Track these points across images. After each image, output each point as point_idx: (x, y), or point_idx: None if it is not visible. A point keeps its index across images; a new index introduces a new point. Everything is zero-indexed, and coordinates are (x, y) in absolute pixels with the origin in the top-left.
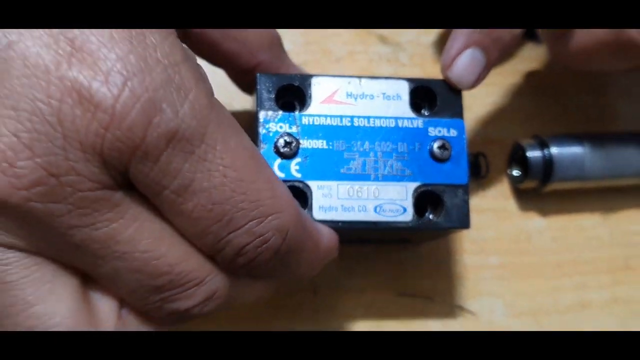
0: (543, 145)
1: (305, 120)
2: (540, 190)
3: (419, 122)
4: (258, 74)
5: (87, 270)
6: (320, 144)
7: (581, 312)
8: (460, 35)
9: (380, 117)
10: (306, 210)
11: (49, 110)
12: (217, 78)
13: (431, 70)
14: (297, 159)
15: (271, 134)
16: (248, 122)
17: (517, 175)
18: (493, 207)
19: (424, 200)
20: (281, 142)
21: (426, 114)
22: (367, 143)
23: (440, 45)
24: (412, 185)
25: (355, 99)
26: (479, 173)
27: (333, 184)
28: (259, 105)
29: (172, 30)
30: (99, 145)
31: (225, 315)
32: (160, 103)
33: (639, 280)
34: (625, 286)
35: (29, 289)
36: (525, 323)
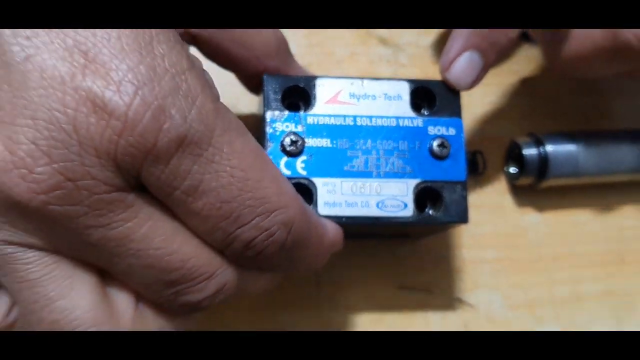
0: (538, 143)
1: (310, 120)
2: (536, 186)
3: (419, 122)
4: (265, 76)
5: (104, 267)
6: (324, 142)
7: (576, 304)
8: (458, 38)
9: (381, 117)
10: (312, 206)
11: (65, 119)
12: (224, 79)
13: (430, 71)
14: (303, 157)
15: (278, 133)
16: (254, 122)
17: (514, 172)
18: (490, 203)
19: (424, 196)
20: (287, 140)
21: (426, 113)
22: (369, 141)
23: (439, 46)
24: (413, 182)
25: (358, 99)
26: (477, 170)
27: (337, 180)
28: (266, 105)
29: (178, 40)
30: (112, 150)
31: (231, 307)
32: (169, 110)
33: (632, 274)
34: (619, 279)
35: (51, 286)
36: (522, 315)
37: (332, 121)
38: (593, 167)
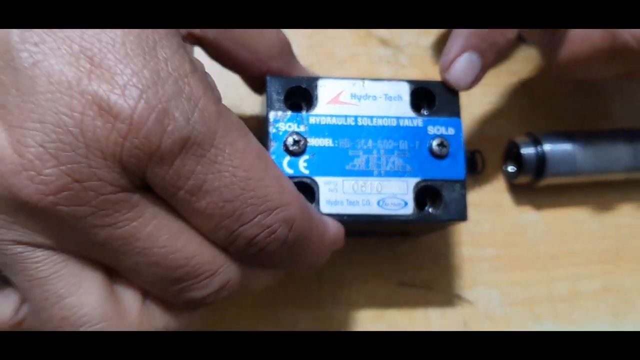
0: (536, 142)
1: (312, 120)
2: (534, 185)
3: (418, 121)
4: (268, 77)
5: (111, 265)
6: (326, 142)
7: (574, 301)
8: (457, 39)
9: (382, 117)
10: (314, 205)
11: (72, 122)
12: (228, 80)
13: (430, 72)
14: (305, 157)
15: (281, 133)
16: (257, 122)
17: (512, 171)
18: (489, 202)
19: (424, 194)
20: (290, 140)
21: (426, 113)
22: (370, 141)
23: (439, 47)
24: (413, 181)
25: (359, 99)
26: (476, 169)
27: (339, 179)
28: (269, 106)
29: (181, 44)
30: (118, 152)
31: (234, 304)
32: (172, 112)
33: (629, 271)
34: (616, 276)
35: (60, 284)
36: (521, 312)
37: (334, 121)
38: (590, 166)
